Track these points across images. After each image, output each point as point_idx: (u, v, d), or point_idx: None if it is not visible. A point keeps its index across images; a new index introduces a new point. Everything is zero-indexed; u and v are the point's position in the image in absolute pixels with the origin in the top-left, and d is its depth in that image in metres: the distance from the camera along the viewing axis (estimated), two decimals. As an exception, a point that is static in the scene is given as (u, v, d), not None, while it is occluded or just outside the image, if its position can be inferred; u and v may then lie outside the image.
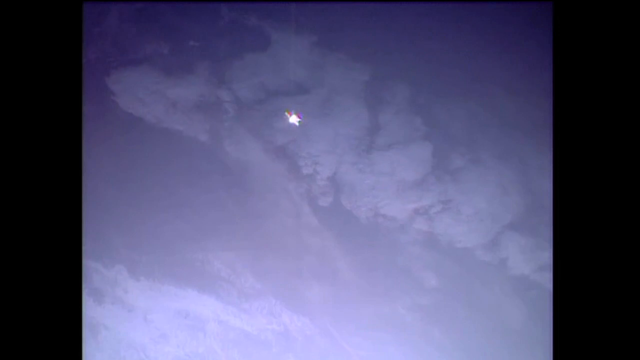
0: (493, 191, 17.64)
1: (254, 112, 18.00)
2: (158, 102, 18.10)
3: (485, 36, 17.04)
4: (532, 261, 17.65)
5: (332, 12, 16.87)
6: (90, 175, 16.99)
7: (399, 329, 18.55)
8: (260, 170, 18.49)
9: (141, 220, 18.74)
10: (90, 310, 17.68)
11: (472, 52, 17.24)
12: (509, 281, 17.83)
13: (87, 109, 15.06)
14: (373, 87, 17.37)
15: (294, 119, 17.41)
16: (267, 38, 17.36)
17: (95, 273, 18.73)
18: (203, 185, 18.76)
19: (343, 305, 18.75)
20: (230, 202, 18.86)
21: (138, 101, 18.13)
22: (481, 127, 17.21)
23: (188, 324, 19.30)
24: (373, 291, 18.67)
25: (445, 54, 16.95)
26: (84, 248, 9.43)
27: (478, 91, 17.03)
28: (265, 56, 17.51)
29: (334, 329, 18.73)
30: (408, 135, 17.65)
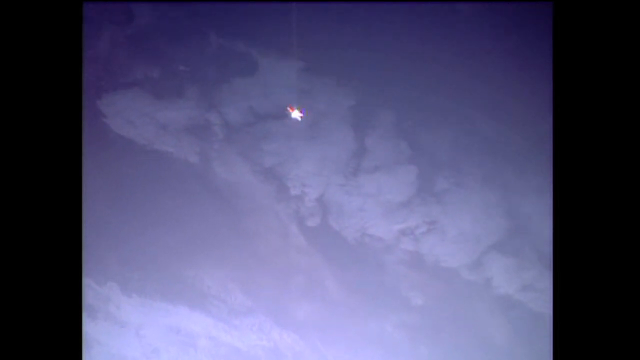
0: (477, 213, 17.95)
1: (243, 135, 18.26)
2: (149, 124, 18.33)
3: (477, 54, 17.23)
4: (515, 281, 17.98)
5: (318, 38, 17.07)
6: (83, 195, 17.20)
7: (387, 346, 18.90)
8: (249, 191, 18.77)
9: (133, 239, 19.00)
10: (84, 326, 17.88)
11: (457, 78, 17.44)
12: (493, 300, 18.16)
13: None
14: (359, 112, 17.62)
15: (296, 114, 17.65)
16: (255, 63, 17.61)
17: (89, 289, 18.99)
18: (193, 205, 19.01)
19: (332, 323, 19.06)
20: (220, 221, 19.15)
21: (129, 123, 18.37)
22: (465, 151, 17.50)
23: (179, 339, 19.59)
24: (361, 309, 18.99)
25: (429, 81, 17.18)
26: (84, 265, 9.49)
27: (461, 117, 17.27)
28: (253, 81, 17.76)
29: (322, 345, 19.04)
30: (394, 159, 17.94)
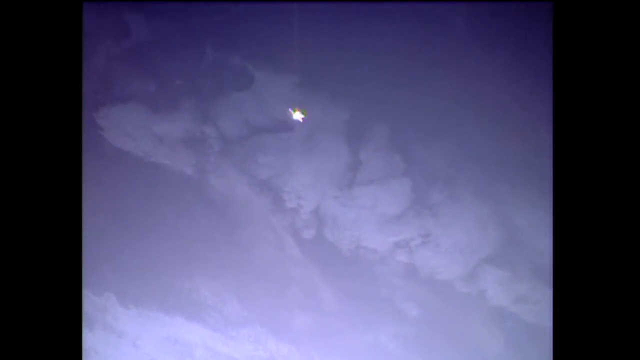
0: (471, 226, 18.09)
1: (239, 148, 18.40)
2: (145, 137, 18.48)
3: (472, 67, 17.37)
4: (509, 293, 18.11)
5: (313, 53, 17.22)
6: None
7: (382, 357, 19.04)
8: (245, 203, 18.93)
9: (130, 250, 19.17)
10: (84, 336, 18.00)
11: (451, 88, 17.57)
12: (488, 312, 18.30)
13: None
14: (354, 125, 17.76)
15: (297, 116, 17.77)
16: (251, 77, 17.75)
17: (86, 300, 19.14)
18: (190, 217, 19.17)
19: (327, 334, 19.21)
20: (216, 233, 19.31)
21: (126, 136, 18.52)
22: (458, 164, 17.63)
23: (176, 350, 19.74)
24: (356, 320, 19.14)
25: (423, 94, 17.33)
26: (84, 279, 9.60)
27: (455, 130, 17.41)
28: (248, 94, 17.91)
29: (318, 356, 19.18)
30: (388, 171, 18.08)
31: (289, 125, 18.15)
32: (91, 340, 19.37)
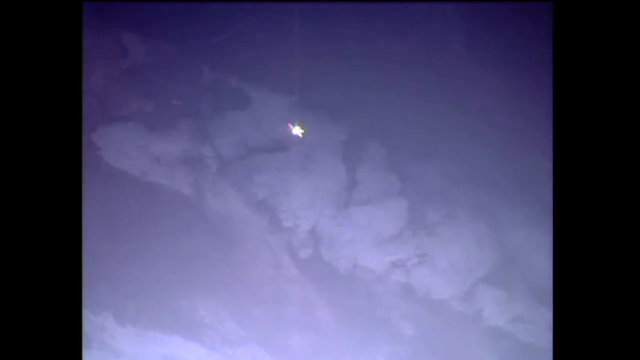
0: (467, 245, 18.12)
1: (236, 167, 18.47)
2: (143, 156, 18.56)
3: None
4: (505, 312, 18.10)
5: (309, 74, 17.34)
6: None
7: (378, 376, 18.99)
8: (242, 222, 18.95)
9: (127, 269, 19.15)
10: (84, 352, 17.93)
11: (447, 110, 17.67)
12: (484, 331, 18.28)
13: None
14: (350, 145, 17.83)
15: (297, 131, 17.81)
16: (247, 97, 17.86)
17: (83, 319, 19.10)
18: (187, 236, 19.20)
19: (324, 353, 19.16)
20: (213, 252, 19.31)
21: (123, 156, 18.60)
22: (454, 184, 17.68)
23: (174, 369, 19.69)
24: (352, 339, 19.09)
25: (418, 115, 17.43)
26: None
27: (450, 150, 17.49)
28: (245, 114, 18.00)
29: (315, 375, 19.16)
30: (384, 191, 18.14)
31: (286, 145, 18.23)
32: (89, 359, 19.30)
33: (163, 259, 19.09)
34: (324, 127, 17.76)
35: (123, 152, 18.71)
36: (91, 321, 19.07)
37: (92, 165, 18.65)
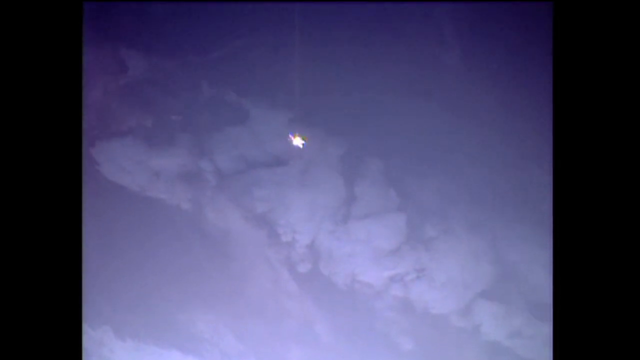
0: (465, 260, 18.15)
1: (234, 182, 18.52)
2: (142, 171, 18.61)
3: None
4: (504, 327, 18.12)
5: (308, 89, 17.41)
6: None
7: (377, 391, 18.99)
8: (240, 237, 19.00)
9: (126, 283, 19.19)
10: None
11: (444, 124, 17.73)
12: (483, 346, 18.30)
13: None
14: (348, 161, 17.90)
15: (298, 142, 17.85)
16: (246, 113, 17.93)
17: (84, 334, 19.08)
18: (186, 250, 19.25)
19: (323, 368, 19.17)
20: (212, 267, 19.36)
21: (122, 171, 18.65)
22: (452, 199, 17.74)
23: (173, 383, 19.69)
24: (351, 354, 19.10)
25: (416, 130, 17.49)
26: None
27: (449, 165, 17.55)
28: (244, 130, 18.06)
29: (314, 390, 19.16)
30: (383, 206, 18.19)
31: (285, 159, 18.27)
32: (87, 374, 19.33)
33: (162, 273, 19.12)
34: (323, 142, 17.82)
35: (122, 167, 18.75)
36: (90, 335, 19.09)
37: (91, 180, 18.70)
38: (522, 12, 16.42)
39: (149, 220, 18.85)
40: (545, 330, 17.47)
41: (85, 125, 18.22)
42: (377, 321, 18.69)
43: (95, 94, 18.22)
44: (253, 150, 18.15)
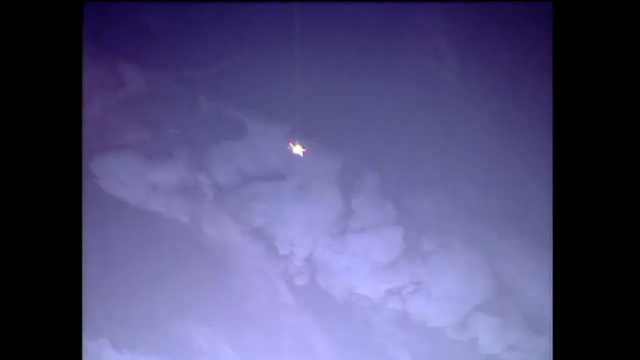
0: (461, 274, 18.23)
1: (232, 196, 18.60)
2: (139, 185, 18.68)
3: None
4: (501, 341, 18.18)
5: (305, 104, 17.49)
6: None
7: (375, 405, 19.02)
8: (238, 250, 19.06)
9: (125, 296, 19.22)
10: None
11: (442, 137, 17.82)
12: (480, 360, 18.36)
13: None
14: (346, 175, 17.98)
15: (298, 150, 17.90)
16: (244, 127, 18.00)
17: (84, 349, 19.07)
18: (184, 264, 19.28)
19: (320, 381, 19.20)
20: (209, 280, 19.40)
21: (120, 184, 18.71)
22: (449, 213, 17.82)
23: (171, 397, 19.71)
24: (349, 367, 19.13)
25: (413, 144, 17.58)
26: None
27: (446, 179, 17.64)
28: (242, 144, 18.14)
29: (311, 404, 19.18)
30: (380, 220, 18.26)
31: (282, 173, 18.36)
32: (84, 386, 19.27)
33: (160, 286, 19.18)
34: (320, 156, 17.90)
35: (120, 181, 18.82)
36: (87, 347, 19.06)
37: (89, 194, 18.73)
38: (522, 12, 16.36)
39: (147, 233, 18.91)
40: (542, 344, 17.54)
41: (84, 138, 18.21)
42: (374, 334, 18.75)
43: (93, 108, 18.27)
44: (251, 164, 18.24)
